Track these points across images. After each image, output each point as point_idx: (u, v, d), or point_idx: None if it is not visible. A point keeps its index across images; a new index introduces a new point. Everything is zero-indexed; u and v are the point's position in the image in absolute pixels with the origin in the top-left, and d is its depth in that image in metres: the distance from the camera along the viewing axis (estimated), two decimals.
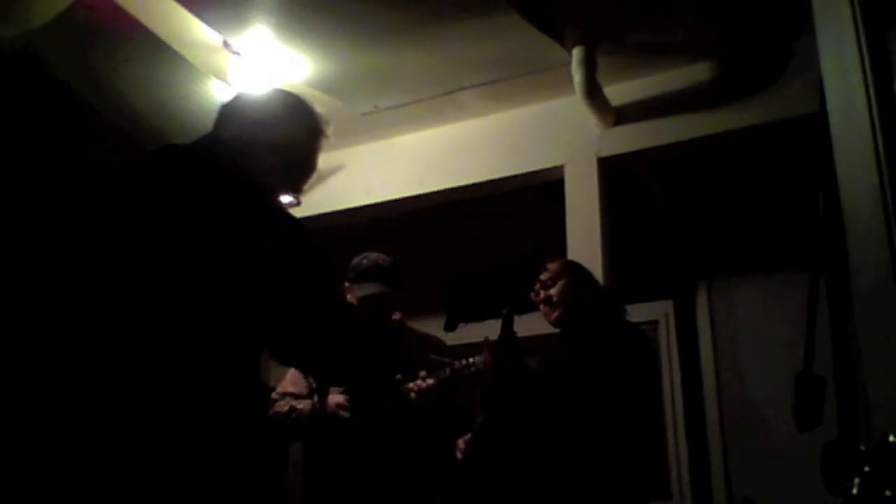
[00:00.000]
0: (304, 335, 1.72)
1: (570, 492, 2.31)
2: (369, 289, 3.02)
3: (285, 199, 1.99)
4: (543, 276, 2.65)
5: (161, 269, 1.62)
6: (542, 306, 2.63)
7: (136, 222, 1.68)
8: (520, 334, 2.59)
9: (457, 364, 2.89)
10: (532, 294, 2.65)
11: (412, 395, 2.88)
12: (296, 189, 1.97)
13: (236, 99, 1.98)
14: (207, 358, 1.61)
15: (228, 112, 1.93)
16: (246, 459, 1.68)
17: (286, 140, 1.90)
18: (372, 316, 3.00)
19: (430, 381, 2.88)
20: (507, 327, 2.56)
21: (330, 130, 1.98)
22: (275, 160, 1.86)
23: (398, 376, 2.92)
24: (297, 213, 4.66)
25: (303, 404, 2.97)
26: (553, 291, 2.60)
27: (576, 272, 2.69)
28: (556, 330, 2.65)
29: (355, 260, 3.13)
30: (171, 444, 1.53)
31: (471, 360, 2.83)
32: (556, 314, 2.60)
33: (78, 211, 1.76)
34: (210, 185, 1.73)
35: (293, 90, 2.02)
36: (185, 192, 1.71)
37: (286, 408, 2.98)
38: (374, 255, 3.12)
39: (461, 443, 2.64)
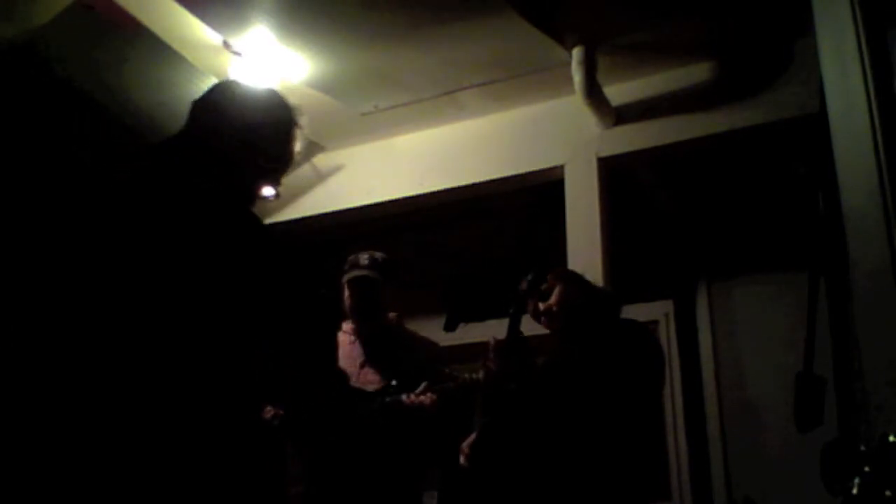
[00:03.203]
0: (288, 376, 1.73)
1: (571, 491, 2.30)
2: (355, 272, 3.05)
3: (266, 191, 1.98)
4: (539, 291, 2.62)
5: (156, 272, 1.63)
6: (542, 320, 2.60)
7: (132, 229, 1.68)
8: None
9: (461, 380, 2.88)
10: (530, 312, 2.61)
11: (408, 403, 2.89)
12: (275, 181, 1.95)
13: (209, 93, 1.96)
14: (208, 359, 1.62)
15: (202, 106, 1.91)
16: (246, 458, 1.69)
17: (260, 133, 1.88)
18: (359, 304, 3.02)
19: (429, 396, 2.87)
20: (514, 327, 2.54)
21: (304, 121, 1.96)
22: (250, 153, 1.85)
23: (394, 382, 2.93)
24: (298, 212, 4.66)
25: None
26: (552, 301, 2.57)
27: (569, 277, 2.67)
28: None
29: (353, 255, 3.17)
30: (172, 443, 1.54)
31: (474, 375, 2.82)
32: (558, 325, 2.57)
33: (75, 214, 1.76)
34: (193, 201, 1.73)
35: (293, 91, 2.01)
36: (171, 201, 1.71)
37: (270, 414, 3.01)
38: (371, 251, 3.15)
39: (465, 447, 2.63)
